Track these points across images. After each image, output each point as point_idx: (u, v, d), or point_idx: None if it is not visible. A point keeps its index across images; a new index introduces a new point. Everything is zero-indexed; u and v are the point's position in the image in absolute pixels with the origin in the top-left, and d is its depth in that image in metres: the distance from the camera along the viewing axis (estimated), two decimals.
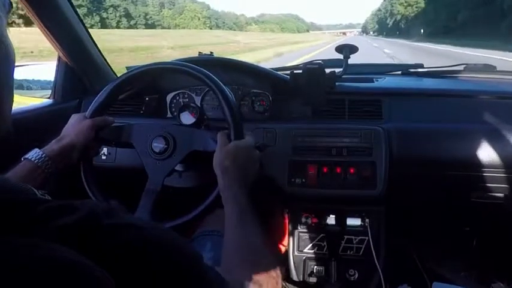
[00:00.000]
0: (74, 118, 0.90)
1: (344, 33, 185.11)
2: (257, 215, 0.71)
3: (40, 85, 1.47)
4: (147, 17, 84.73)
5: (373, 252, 1.06)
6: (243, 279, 0.57)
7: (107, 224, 0.36)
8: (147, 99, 1.29)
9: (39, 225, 0.32)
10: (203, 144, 0.88)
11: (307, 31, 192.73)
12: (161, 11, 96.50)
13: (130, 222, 0.40)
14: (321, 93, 1.15)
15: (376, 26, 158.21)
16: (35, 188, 0.73)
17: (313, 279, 1.12)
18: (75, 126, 0.86)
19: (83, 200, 0.38)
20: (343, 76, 1.23)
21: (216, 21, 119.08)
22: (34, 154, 0.78)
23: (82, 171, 0.88)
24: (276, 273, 0.62)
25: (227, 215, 0.71)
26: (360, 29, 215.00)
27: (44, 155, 0.78)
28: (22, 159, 0.77)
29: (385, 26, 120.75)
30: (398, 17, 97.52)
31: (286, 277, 1.16)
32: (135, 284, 0.36)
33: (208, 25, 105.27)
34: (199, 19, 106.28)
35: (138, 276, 0.36)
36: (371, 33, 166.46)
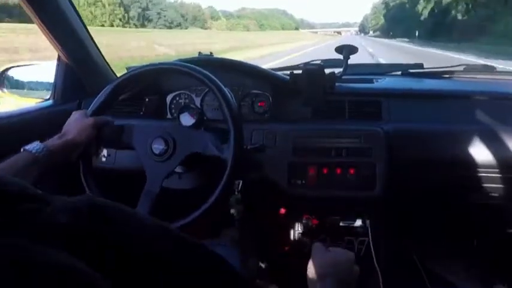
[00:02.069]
0: (76, 115, 0.89)
1: (339, 33, 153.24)
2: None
3: (40, 86, 1.47)
4: None
5: (373, 253, 1.06)
6: None
7: (99, 226, 0.35)
8: (147, 100, 1.29)
9: (26, 224, 0.30)
10: (202, 146, 0.87)
11: (296, 29, 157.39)
12: None
13: (127, 219, 0.39)
14: (320, 94, 1.15)
15: (382, 22, 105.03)
16: (30, 181, 0.73)
17: None
18: (77, 123, 0.86)
19: (78, 197, 0.37)
20: (343, 77, 1.23)
21: (145, 12, 76.77)
22: (35, 146, 0.76)
23: (81, 169, 0.88)
24: None
25: None
26: (357, 28, 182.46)
27: (44, 148, 0.77)
28: (22, 149, 0.76)
29: (406, 20, 60.18)
30: None
31: (286, 278, 1.16)
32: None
33: (119, 17, 66.50)
34: (104, 6, 63.20)
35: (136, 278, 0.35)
36: (371, 32, 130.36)
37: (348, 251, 0.75)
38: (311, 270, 0.73)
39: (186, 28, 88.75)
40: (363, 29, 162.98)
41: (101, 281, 0.30)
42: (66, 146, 0.81)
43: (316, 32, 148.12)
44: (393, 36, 64.29)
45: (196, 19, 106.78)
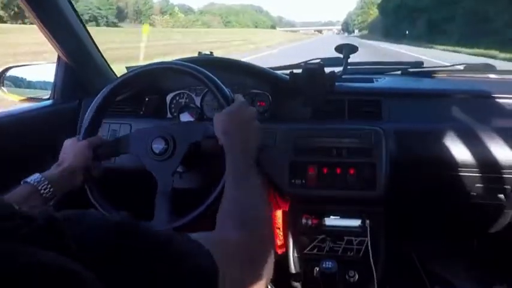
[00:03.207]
0: (69, 142, 0.89)
1: (320, 32, 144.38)
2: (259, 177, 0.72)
3: (40, 85, 1.47)
4: None
5: (370, 253, 1.05)
6: (232, 237, 0.58)
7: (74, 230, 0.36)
8: (147, 99, 1.29)
9: (16, 232, 0.32)
10: (202, 132, 0.87)
11: (273, 27, 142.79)
12: None
13: (94, 221, 0.41)
14: (320, 94, 1.15)
15: (374, 17, 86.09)
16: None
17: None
18: (73, 149, 0.86)
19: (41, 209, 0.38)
20: (343, 76, 1.23)
21: None
22: (34, 178, 0.77)
23: (89, 192, 0.88)
24: (270, 238, 0.62)
25: (226, 175, 0.72)
26: (340, 27, 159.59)
27: (43, 178, 0.78)
28: (22, 182, 0.77)
29: (433, 8, 30.82)
30: None
31: (286, 278, 1.16)
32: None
33: None
34: None
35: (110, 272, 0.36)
36: (356, 32, 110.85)
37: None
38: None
39: (108, 24, 69.82)
40: (346, 28, 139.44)
41: (93, 280, 0.31)
42: (65, 173, 0.82)
43: (298, 31, 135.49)
44: (414, 39, 30.63)
45: (142, 14, 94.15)
